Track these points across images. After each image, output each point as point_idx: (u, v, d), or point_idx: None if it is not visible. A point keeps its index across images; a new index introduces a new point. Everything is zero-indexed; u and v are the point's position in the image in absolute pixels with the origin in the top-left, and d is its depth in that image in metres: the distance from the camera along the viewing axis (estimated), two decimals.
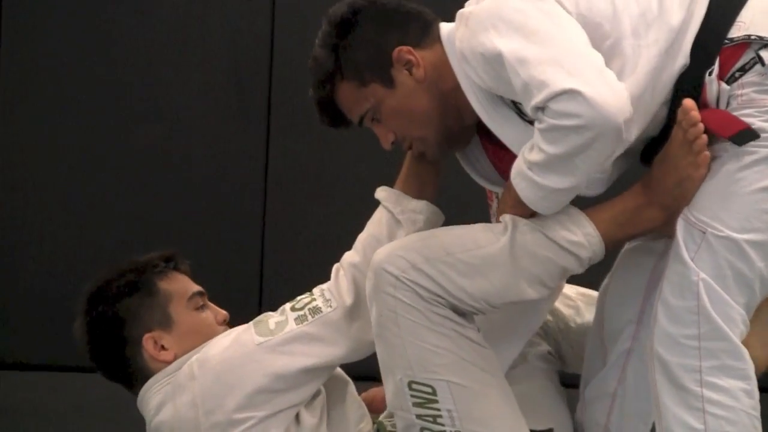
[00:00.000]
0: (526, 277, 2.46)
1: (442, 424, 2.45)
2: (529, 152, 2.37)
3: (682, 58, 2.41)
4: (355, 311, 2.61)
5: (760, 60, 2.38)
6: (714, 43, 2.40)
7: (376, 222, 2.69)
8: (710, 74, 2.40)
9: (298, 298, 2.66)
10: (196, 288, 2.75)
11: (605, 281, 2.74)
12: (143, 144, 4.93)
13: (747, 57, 2.39)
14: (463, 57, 2.43)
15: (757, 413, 2.41)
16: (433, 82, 2.53)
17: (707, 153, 2.40)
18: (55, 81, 4.92)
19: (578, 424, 2.76)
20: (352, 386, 2.75)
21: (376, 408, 2.74)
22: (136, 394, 2.70)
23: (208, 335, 2.69)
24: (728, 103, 2.41)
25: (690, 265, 2.38)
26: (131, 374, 2.70)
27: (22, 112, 4.93)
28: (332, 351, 2.60)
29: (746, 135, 2.36)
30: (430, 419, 2.46)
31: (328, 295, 2.62)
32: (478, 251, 2.46)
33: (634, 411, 2.68)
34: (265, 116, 4.96)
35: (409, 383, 2.45)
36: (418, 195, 2.70)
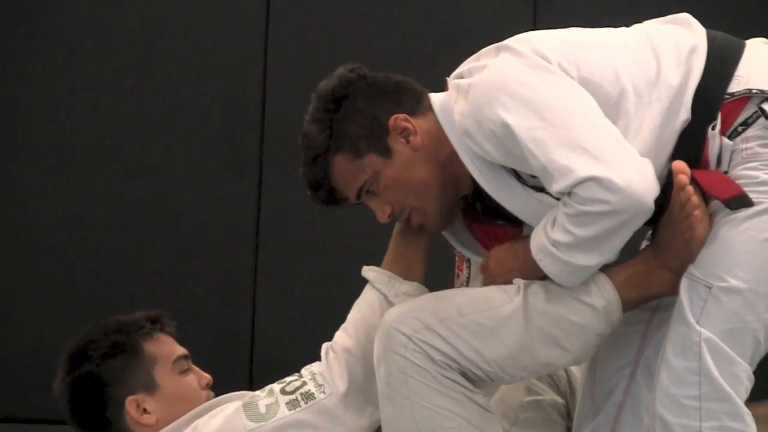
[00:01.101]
0: (540, 337, 2.43)
1: None
2: (552, 230, 2.36)
3: (683, 113, 2.40)
4: (349, 398, 2.57)
5: (764, 113, 2.38)
6: (714, 98, 2.40)
7: (368, 305, 2.65)
8: (713, 128, 2.40)
9: (287, 379, 2.62)
10: (181, 351, 2.72)
11: None
12: (134, 198, 4.92)
13: (749, 111, 2.40)
14: (465, 131, 2.40)
15: None
16: (430, 151, 2.50)
17: (698, 213, 2.38)
18: (45, 135, 4.92)
19: None
20: None
21: None
22: None
23: (191, 400, 2.66)
24: (731, 158, 2.40)
25: (693, 326, 2.36)
26: None
27: (12, 165, 4.92)
28: None
29: (739, 200, 2.36)
30: None
31: (321, 380, 2.58)
32: (491, 312, 2.44)
33: None
34: (257, 171, 4.96)
35: None
36: (407, 275, 2.66)
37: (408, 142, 2.50)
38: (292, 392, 2.58)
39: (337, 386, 2.57)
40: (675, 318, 2.41)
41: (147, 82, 4.95)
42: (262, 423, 2.54)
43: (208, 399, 2.68)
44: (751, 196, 2.36)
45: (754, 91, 2.39)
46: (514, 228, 2.58)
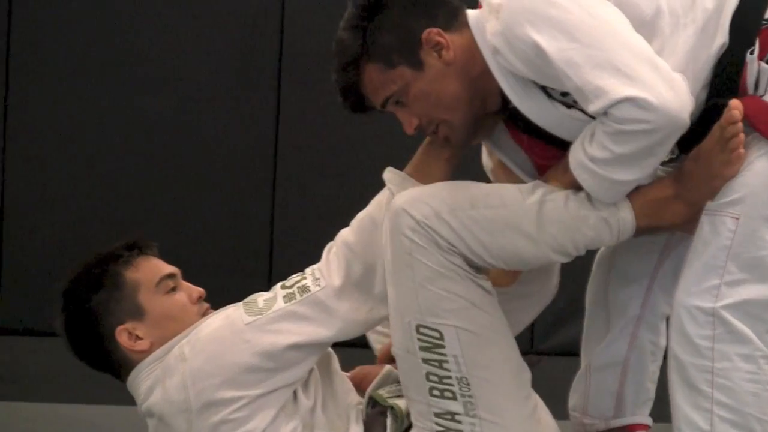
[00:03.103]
0: (549, 243, 2.46)
1: (448, 369, 2.46)
2: (590, 146, 2.37)
3: (720, 37, 2.39)
4: (343, 291, 2.58)
5: None
6: (753, 23, 2.41)
7: (377, 203, 2.66)
8: (751, 53, 2.38)
9: (291, 277, 2.64)
10: (165, 271, 2.71)
11: (605, 249, 2.73)
12: (153, 113, 4.94)
13: None
14: (496, 50, 2.42)
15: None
16: (462, 66, 2.51)
17: (741, 151, 2.38)
18: (63, 48, 4.92)
19: (579, 391, 2.76)
20: (335, 360, 2.74)
21: (364, 389, 2.72)
22: (125, 382, 2.69)
23: (182, 317, 2.67)
24: None
25: (714, 265, 2.36)
26: (114, 365, 2.69)
27: (30, 80, 4.93)
28: (319, 330, 2.57)
29: None
30: (436, 364, 2.46)
31: (318, 275, 2.60)
32: (503, 210, 2.46)
33: (649, 377, 2.70)
34: (275, 87, 4.95)
35: (417, 327, 2.46)
36: (423, 180, 2.65)
37: (440, 56, 2.51)
38: (291, 286, 2.60)
39: (333, 279, 2.59)
40: (693, 255, 2.40)
41: (171, 4, 4.94)
42: (259, 316, 2.57)
43: (200, 312, 2.69)
44: None
45: None
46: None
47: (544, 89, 2.44)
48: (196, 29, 4.95)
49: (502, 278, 2.62)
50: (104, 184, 4.95)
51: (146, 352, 2.65)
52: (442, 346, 2.45)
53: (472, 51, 2.49)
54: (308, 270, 2.64)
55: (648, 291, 2.66)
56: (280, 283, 2.64)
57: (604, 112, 2.30)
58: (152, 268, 2.71)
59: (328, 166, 4.95)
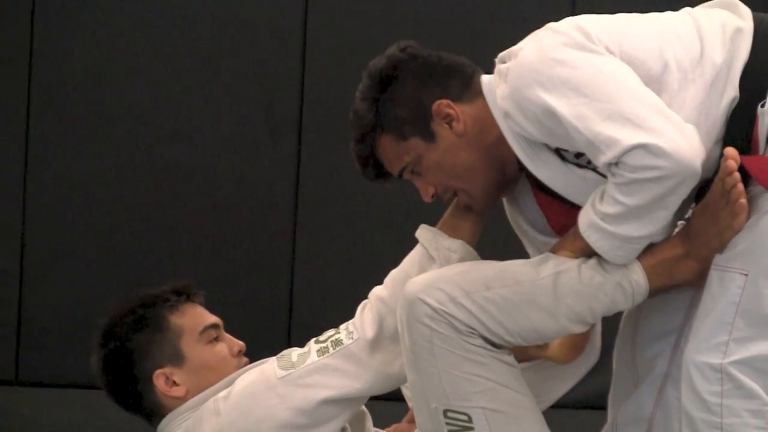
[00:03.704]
0: (567, 314, 2.45)
1: None
2: (601, 204, 2.37)
3: (731, 90, 2.39)
4: (376, 344, 2.58)
5: None
6: (763, 76, 2.40)
7: (410, 259, 2.67)
8: (762, 106, 2.38)
9: (325, 332, 2.64)
10: (210, 320, 2.72)
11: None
12: (173, 164, 4.93)
13: None
14: (507, 114, 2.42)
15: None
16: (475, 136, 2.51)
17: (743, 201, 2.37)
18: (83, 101, 4.94)
19: None
20: (369, 420, 2.74)
21: None
22: (155, 426, 2.69)
23: (221, 369, 2.67)
24: None
25: (722, 322, 2.36)
26: (147, 409, 2.69)
27: (51, 131, 4.94)
28: (351, 383, 2.57)
29: None
30: None
31: (351, 329, 2.60)
32: (518, 287, 2.45)
33: None
34: (296, 136, 4.96)
35: (445, 411, 2.44)
36: (453, 234, 2.66)
37: (451, 127, 2.51)
38: (324, 341, 2.61)
39: (366, 332, 2.59)
40: (702, 311, 2.41)
41: (186, 47, 4.96)
42: (292, 371, 2.57)
43: (239, 366, 2.69)
44: None
45: None
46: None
47: (558, 152, 2.44)
48: (217, 78, 4.96)
49: (565, 356, 2.63)
50: (124, 234, 4.95)
51: (181, 399, 2.64)
52: (471, 429, 2.44)
53: (486, 119, 2.49)
54: (342, 325, 2.64)
55: (675, 348, 2.61)
56: (314, 339, 2.64)
57: (616, 163, 2.29)
58: (197, 316, 2.71)
59: (349, 215, 4.95)
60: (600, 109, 2.30)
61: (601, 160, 2.31)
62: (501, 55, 2.49)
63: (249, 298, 4.92)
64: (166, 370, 2.65)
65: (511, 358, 2.48)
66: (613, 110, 2.29)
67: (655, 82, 2.38)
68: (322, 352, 2.58)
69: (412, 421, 2.75)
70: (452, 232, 2.66)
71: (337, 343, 2.59)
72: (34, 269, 4.95)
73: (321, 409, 2.55)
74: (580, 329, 2.49)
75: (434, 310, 2.42)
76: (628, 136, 2.27)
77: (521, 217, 2.68)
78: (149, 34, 4.94)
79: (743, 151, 2.39)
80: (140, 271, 4.87)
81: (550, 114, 2.33)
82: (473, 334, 2.43)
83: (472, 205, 2.61)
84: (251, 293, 4.92)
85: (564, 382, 2.78)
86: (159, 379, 2.65)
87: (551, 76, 2.34)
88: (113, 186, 4.95)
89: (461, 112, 2.51)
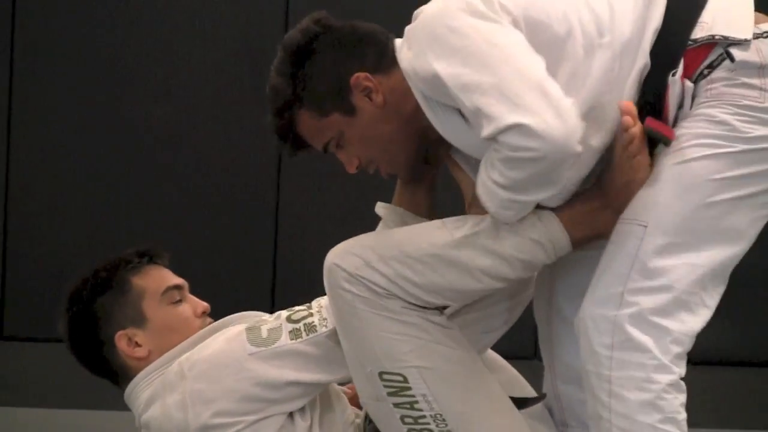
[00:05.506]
0: (485, 272, 2.44)
1: (420, 409, 2.45)
2: (491, 169, 2.35)
3: (641, 58, 2.39)
4: None
5: (729, 56, 2.39)
6: (677, 45, 2.40)
7: None
8: (674, 75, 2.39)
9: (296, 308, 2.64)
10: (173, 282, 2.72)
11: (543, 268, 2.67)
12: (155, 127, 4.92)
13: (715, 54, 2.40)
14: (409, 76, 2.41)
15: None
16: (394, 106, 2.49)
17: (640, 158, 2.39)
18: (70, 60, 4.92)
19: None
20: None
21: (358, 403, 2.71)
22: (123, 389, 2.69)
23: (184, 330, 2.68)
24: (693, 99, 2.41)
25: (620, 275, 2.36)
26: (113, 371, 2.70)
27: (35, 89, 4.93)
28: (321, 376, 2.58)
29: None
30: (408, 406, 2.45)
31: (325, 314, 2.59)
32: (432, 248, 2.43)
33: None
34: None
35: (380, 374, 2.44)
36: (416, 210, 2.67)
37: (371, 99, 2.49)
38: (297, 321, 2.60)
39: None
40: (604, 263, 2.40)
41: (173, 6, 4.93)
42: (263, 348, 2.56)
43: (203, 327, 2.69)
44: (701, 140, 2.37)
45: (717, 37, 2.40)
46: None
47: (460, 112, 2.41)
48: (204, 34, 4.94)
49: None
50: (107, 190, 4.94)
51: (144, 360, 2.65)
52: (409, 388, 2.44)
53: (404, 87, 2.46)
54: (315, 305, 2.64)
55: None
56: (285, 313, 2.63)
57: (494, 138, 2.28)
58: (160, 278, 2.71)
59: (333, 176, 4.94)
60: (481, 83, 2.27)
61: (482, 134, 2.29)
62: (415, 12, 2.46)
63: (233, 258, 4.93)
64: (129, 331, 2.65)
65: (441, 318, 2.47)
66: (492, 84, 2.26)
67: (558, 47, 2.35)
68: (294, 335, 2.57)
69: None
70: (411, 207, 2.66)
71: (311, 328, 2.58)
72: (18, 222, 4.95)
73: (290, 388, 2.56)
74: (501, 285, 2.47)
75: (350, 274, 2.42)
76: (503, 115, 2.24)
77: (467, 165, 2.64)
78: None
79: (655, 118, 2.39)
80: (120, 233, 4.87)
81: (439, 80, 2.32)
82: (392, 296, 2.42)
83: (399, 175, 2.62)
84: (235, 254, 4.92)
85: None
86: (121, 341, 2.65)
87: (443, 44, 2.32)
88: (97, 145, 4.93)
89: (379, 83, 2.48)
